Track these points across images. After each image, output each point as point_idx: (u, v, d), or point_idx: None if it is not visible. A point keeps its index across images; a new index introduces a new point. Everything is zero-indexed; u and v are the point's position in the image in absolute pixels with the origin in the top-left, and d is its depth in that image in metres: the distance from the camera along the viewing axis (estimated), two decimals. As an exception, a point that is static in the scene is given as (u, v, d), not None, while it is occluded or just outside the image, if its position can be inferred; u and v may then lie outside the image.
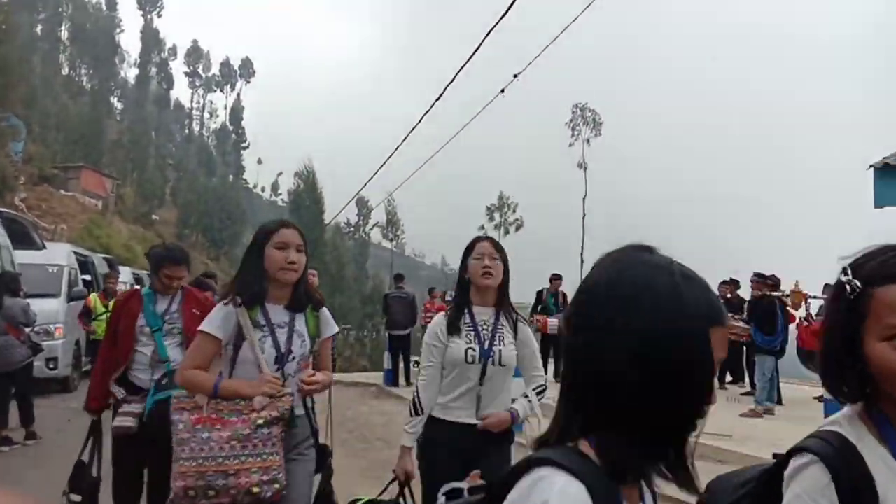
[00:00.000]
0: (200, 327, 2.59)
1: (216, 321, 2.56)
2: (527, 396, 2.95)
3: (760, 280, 9.60)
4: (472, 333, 2.86)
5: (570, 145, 49.26)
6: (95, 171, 50.68)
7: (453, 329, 2.85)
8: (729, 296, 11.68)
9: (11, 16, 28.14)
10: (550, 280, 12.40)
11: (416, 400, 2.86)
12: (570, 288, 13.15)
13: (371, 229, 68.95)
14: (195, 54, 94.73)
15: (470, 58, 11.29)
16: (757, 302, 9.65)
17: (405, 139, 15.52)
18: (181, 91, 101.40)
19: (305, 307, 2.70)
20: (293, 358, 2.62)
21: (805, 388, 11.49)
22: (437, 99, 12.92)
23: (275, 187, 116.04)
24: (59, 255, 11.25)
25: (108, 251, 15.89)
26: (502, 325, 2.92)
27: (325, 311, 2.81)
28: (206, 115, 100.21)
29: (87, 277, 12.29)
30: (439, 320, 2.93)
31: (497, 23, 9.75)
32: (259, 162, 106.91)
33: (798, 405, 9.72)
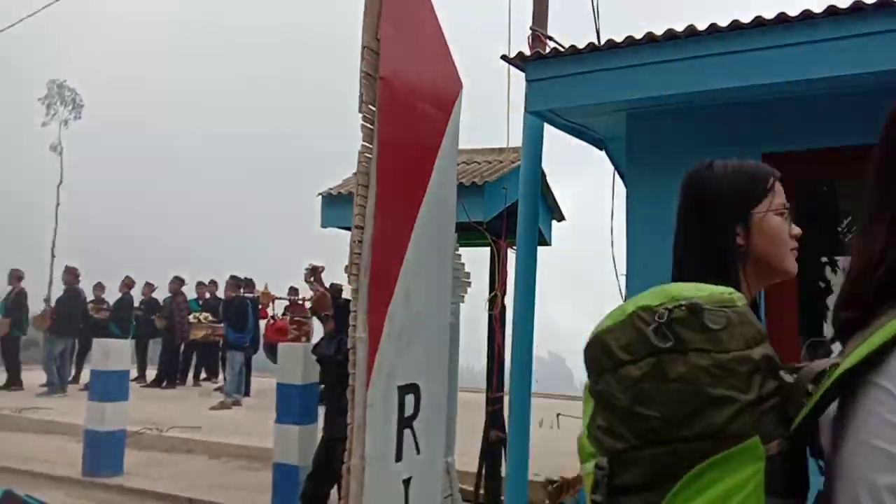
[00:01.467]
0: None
1: None
2: None
3: (234, 282, 10.42)
4: None
5: (44, 125, 43.65)
6: None
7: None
8: (207, 296, 12.29)
9: None
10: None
11: None
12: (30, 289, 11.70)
13: None
14: None
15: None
16: (230, 302, 10.44)
17: None
18: None
19: None
20: None
21: (270, 380, 12.82)
22: None
23: None
24: None
25: None
26: None
27: None
28: None
29: None
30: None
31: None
32: None
33: (264, 395, 10.85)
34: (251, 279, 10.78)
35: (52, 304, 11.57)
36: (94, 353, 5.83)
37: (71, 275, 10.51)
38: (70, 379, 11.00)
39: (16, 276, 10.64)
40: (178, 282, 11.98)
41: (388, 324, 2.93)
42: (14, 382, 10.54)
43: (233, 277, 10.42)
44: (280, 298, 11.72)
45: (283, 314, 11.63)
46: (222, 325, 10.57)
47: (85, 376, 11.35)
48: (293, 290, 12.06)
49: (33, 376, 10.92)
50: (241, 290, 10.39)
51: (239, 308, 10.06)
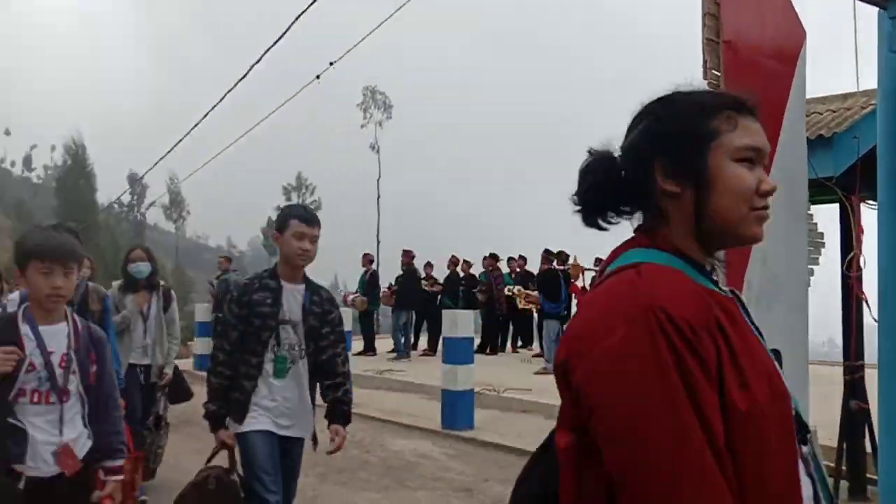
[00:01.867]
0: None
1: None
2: None
3: (547, 255, 10.96)
4: None
5: (363, 127, 49.67)
6: None
7: None
8: (519, 269, 13.10)
9: None
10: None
11: None
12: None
13: (147, 209, 64.09)
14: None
15: (278, 40, 11.37)
16: (543, 274, 11.01)
17: (197, 124, 14.99)
18: None
19: None
20: None
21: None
22: (240, 80, 12.78)
23: (27, 162, 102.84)
24: None
25: None
26: None
27: None
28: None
29: None
30: None
31: (306, 9, 9.96)
32: (7, 133, 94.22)
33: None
34: (564, 252, 11.24)
35: (387, 283, 13.26)
36: (445, 323, 6.62)
37: (407, 256, 12.00)
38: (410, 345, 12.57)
39: (368, 260, 12.48)
40: (493, 258, 12.93)
41: (746, 289, 2.92)
42: (369, 349, 12.42)
43: (546, 251, 10.96)
44: (589, 269, 12.03)
45: (591, 285, 11.94)
46: (538, 296, 11.19)
47: (422, 343, 12.95)
48: (599, 261, 12.29)
49: (379, 344, 12.79)
50: (554, 263, 10.88)
51: (552, 280, 10.56)
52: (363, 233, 46.61)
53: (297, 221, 2.95)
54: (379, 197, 46.93)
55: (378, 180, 47.65)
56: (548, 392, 8.06)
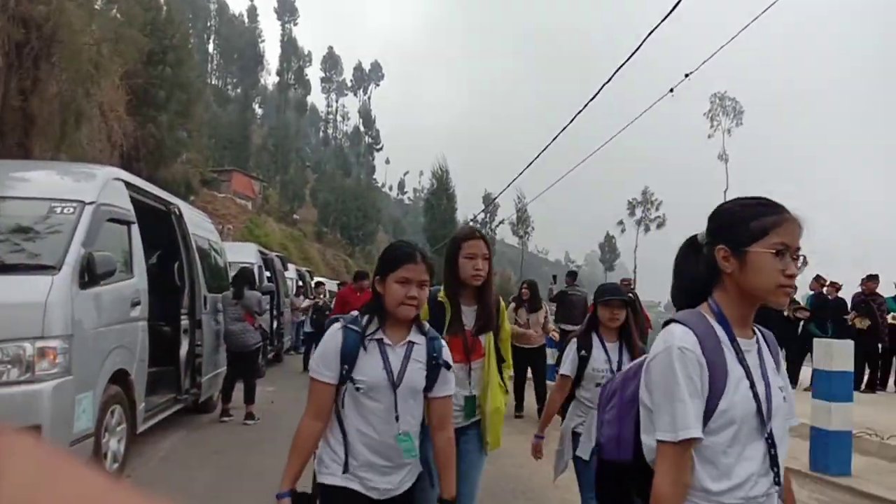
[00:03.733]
0: None
1: None
2: None
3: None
4: None
5: (710, 137, 47.25)
6: (245, 174, 54.52)
7: None
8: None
9: (189, 40, 30.58)
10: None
11: None
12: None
13: (498, 226, 69.52)
14: (330, 60, 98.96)
15: (629, 58, 11.46)
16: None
17: (554, 139, 15.84)
18: (315, 96, 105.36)
19: None
20: None
21: None
22: (592, 98, 13.14)
23: (401, 186, 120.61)
24: (249, 253, 12.46)
25: (268, 248, 17.24)
26: None
27: None
28: (339, 118, 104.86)
29: (268, 274, 13.38)
30: None
31: (656, 27, 9.87)
32: (387, 162, 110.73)
33: None
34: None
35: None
36: (817, 354, 5.88)
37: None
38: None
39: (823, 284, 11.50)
40: (871, 280, 11.21)
41: None
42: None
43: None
44: None
45: None
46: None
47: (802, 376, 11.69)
48: None
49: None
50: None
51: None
52: (707, 249, 44.40)
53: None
54: (725, 211, 44.29)
55: (725, 192, 44.85)
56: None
